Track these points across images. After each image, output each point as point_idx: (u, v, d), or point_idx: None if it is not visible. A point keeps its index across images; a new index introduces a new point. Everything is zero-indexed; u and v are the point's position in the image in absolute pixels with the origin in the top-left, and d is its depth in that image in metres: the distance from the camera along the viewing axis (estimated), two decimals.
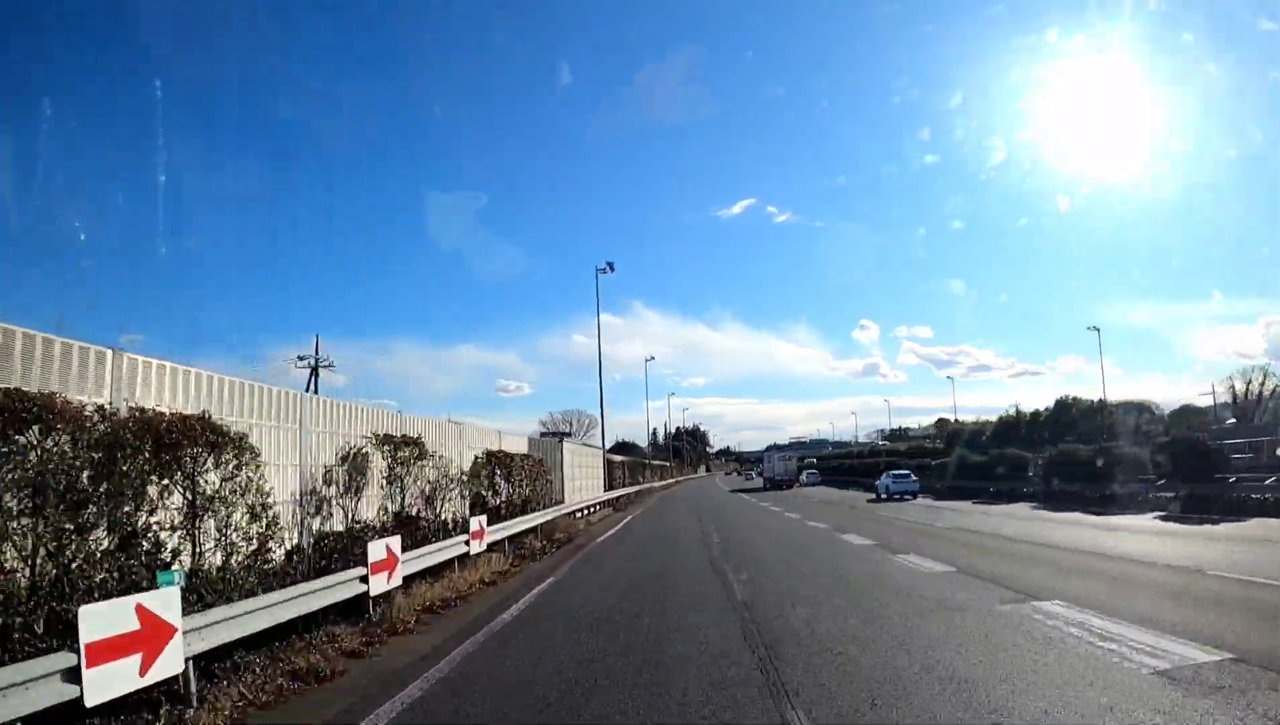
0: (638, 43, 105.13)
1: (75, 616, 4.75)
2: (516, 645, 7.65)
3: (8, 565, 5.35)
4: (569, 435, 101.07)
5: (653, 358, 74.50)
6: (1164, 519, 20.40)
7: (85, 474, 5.79)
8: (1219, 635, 6.58)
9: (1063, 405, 66.73)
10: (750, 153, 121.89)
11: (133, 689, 5.04)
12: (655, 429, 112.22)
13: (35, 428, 5.50)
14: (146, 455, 6.45)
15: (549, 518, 19.00)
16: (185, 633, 5.53)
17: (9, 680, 4.33)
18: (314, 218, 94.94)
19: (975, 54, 78.72)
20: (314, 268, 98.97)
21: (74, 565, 5.67)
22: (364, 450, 11.12)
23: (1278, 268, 77.60)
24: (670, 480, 77.82)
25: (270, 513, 7.94)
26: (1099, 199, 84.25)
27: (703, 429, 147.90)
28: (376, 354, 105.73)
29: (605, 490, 33.64)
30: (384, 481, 11.95)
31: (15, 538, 5.36)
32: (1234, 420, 54.72)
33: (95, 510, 5.85)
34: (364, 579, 8.72)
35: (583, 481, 27.75)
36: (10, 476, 5.25)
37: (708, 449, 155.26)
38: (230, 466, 7.39)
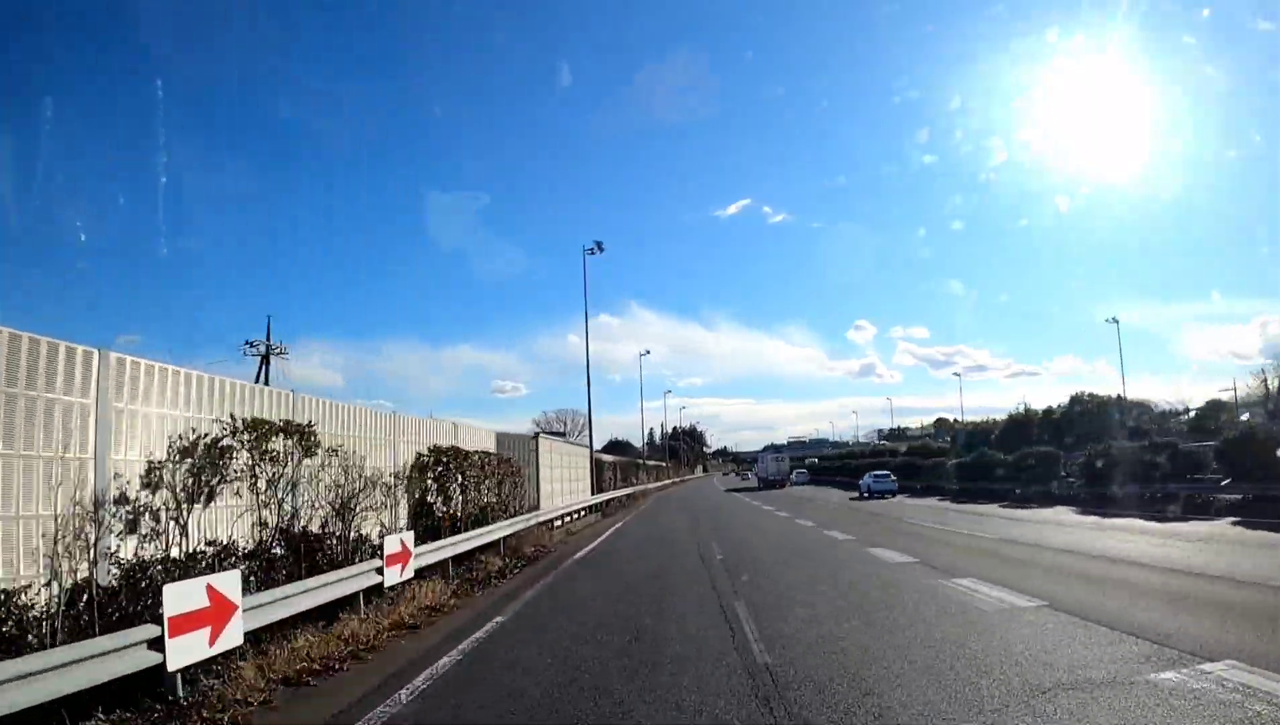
0: (638, 43, 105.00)
1: None
2: None
3: None
4: (562, 435, 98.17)
5: (648, 352, 72.63)
6: (1243, 525, 17.22)
7: None
8: None
9: (1077, 402, 63.46)
10: (749, 153, 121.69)
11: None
12: (652, 429, 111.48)
13: None
14: None
15: (516, 529, 15.72)
16: None
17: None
18: (314, 218, 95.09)
19: (975, 54, 76.76)
20: (313, 268, 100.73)
21: None
22: (221, 440, 7.80)
23: (1275, 268, 76.32)
24: (667, 481, 74.66)
25: None
26: (1098, 199, 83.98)
27: (700, 429, 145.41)
28: (374, 355, 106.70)
29: (593, 493, 30.33)
30: (264, 485, 8.63)
31: None
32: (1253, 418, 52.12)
33: None
34: (157, 644, 5.40)
35: (565, 484, 24.43)
36: None
37: (705, 449, 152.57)
38: None
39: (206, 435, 7.69)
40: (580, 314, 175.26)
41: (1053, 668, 5.72)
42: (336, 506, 10.16)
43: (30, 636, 5.64)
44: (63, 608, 5.87)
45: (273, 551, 8.68)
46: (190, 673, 5.82)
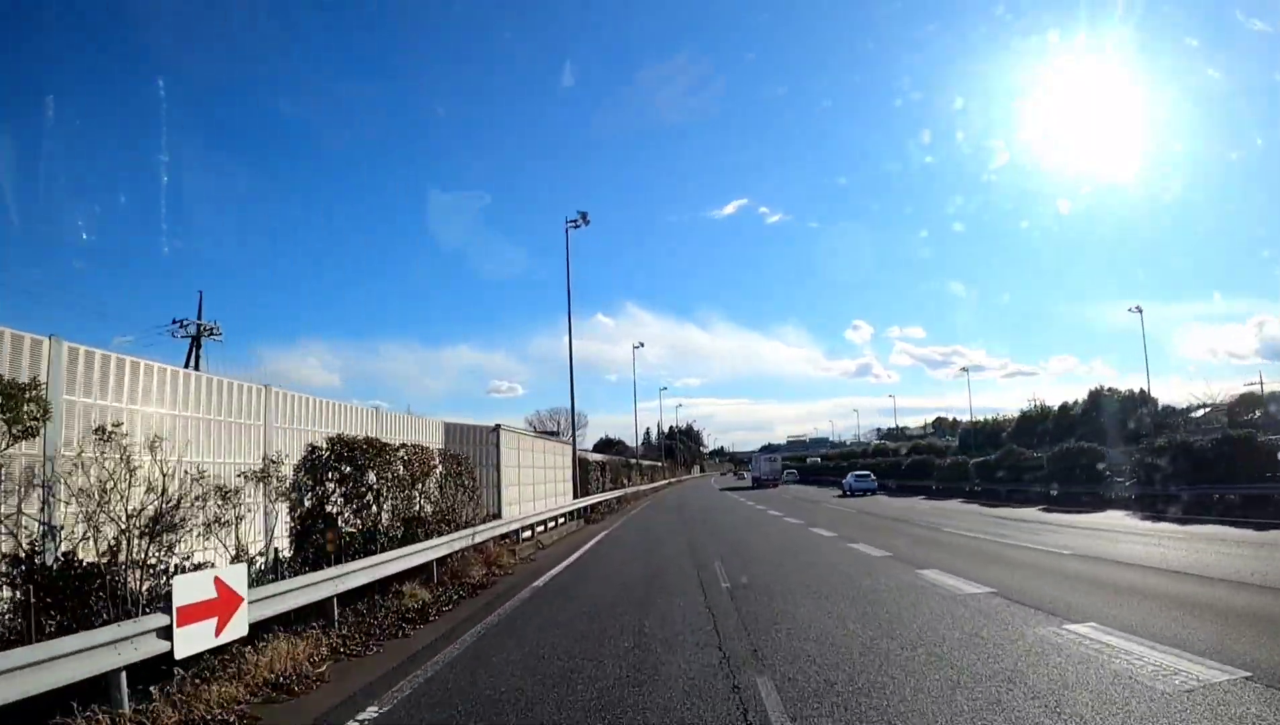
0: (639, 43, 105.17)
1: None
2: None
3: None
4: (554, 434, 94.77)
5: (641, 345, 69.85)
6: None
7: None
8: None
9: (1098, 398, 59.96)
10: (748, 153, 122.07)
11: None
12: (648, 428, 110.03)
13: None
14: None
15: (461, 546, 12.02)
16: None
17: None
18: (314, 219, 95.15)
19: (977, 55, 76.09)
20: (313, 269, 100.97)
21: None
22: None
23: (1274, 269, 76.77)
24: (662, 482, 70.97)
25: None
26: (1099, 200, 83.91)
27: (697, 428, 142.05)
28: (372, 355, 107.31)
29: (576, 496, 26.62)
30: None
31: None
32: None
33: None
34: None
35: (540, 487, 20.71)
36: None
37: (701, 449, 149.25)
38: None
39: None
40: (576, 313, 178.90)
41: None
42: (147, 522, 6.51)
43: None
44: None
45: None
46: None
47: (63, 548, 6.08)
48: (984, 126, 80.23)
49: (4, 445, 5.39)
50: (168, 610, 5.57)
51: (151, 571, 6.52)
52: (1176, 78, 62.19)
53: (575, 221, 28.98)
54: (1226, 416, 50.90)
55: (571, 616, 8.91)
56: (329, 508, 10.13)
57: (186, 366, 25.69)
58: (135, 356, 8.00)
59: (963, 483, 38.39)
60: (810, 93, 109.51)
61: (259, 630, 6.70)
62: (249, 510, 8.03)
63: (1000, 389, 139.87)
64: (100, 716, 4.86)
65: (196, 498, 7.10)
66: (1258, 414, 49.22)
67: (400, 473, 11.17)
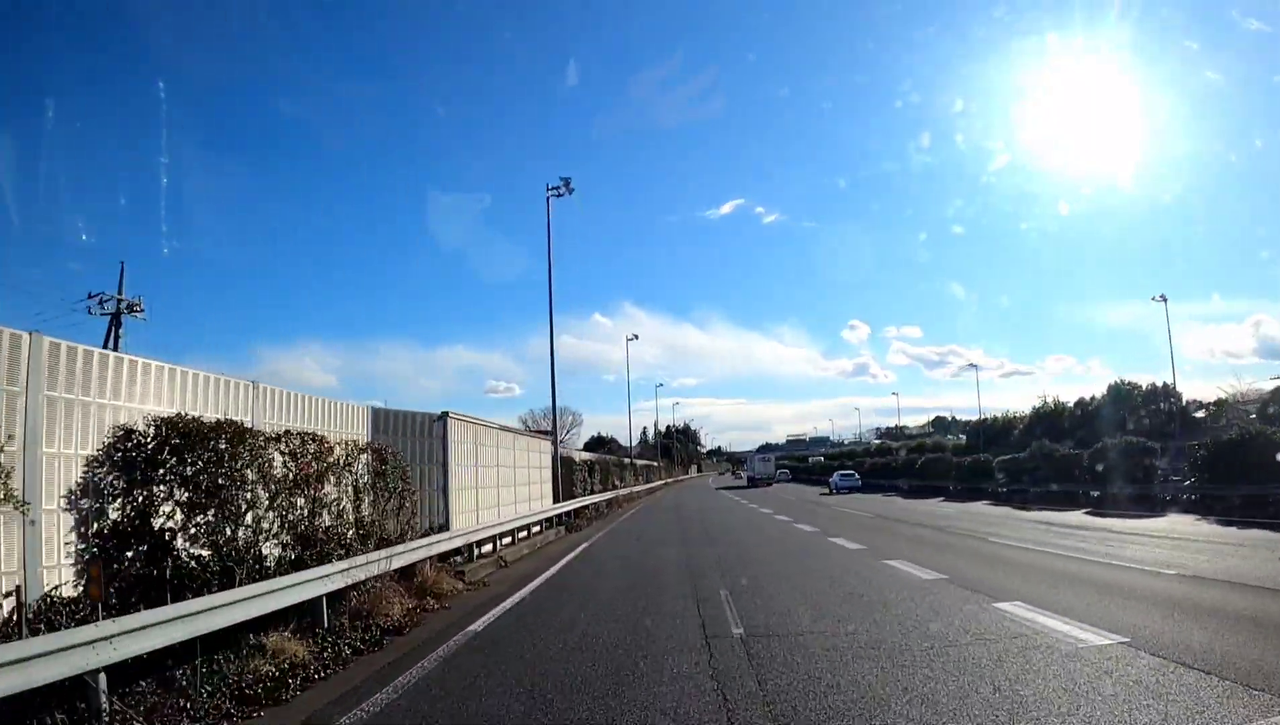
0: (639, 44, 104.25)
1: None
2: None
3: None
4: (549, 434, 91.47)
5: (635, 337, 66.30)
6: None
7: None
8: None
9: (1117, 392, 56.89)
10: (747, 154, 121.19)
11: None
12: (645, 428, 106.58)
13: None
14: None
15: (367, 573, 8.76)
16: None
17: None
18: (314, 219, 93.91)
19: (977, 57, 74.43)
20: (311, 269, 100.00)
21: None
22: None
23: (1273, 270, 75.77)
24: (658, 482, 67.74)
25: None
26: (1099, 202, 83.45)
27: (694, 428, 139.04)
28: (369, 355, 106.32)
29: (558, 500, 23.37)
30: None
31: None
32: None
33: None
34: None
35: (506, 490, 17.40)
36: None
37: (699, 448, 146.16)
38: None
39: None
40: (573, 314, 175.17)
41: None
42: None
43: None
44: None
45: None
46: None
47: None
48: (983, 128, 79.76)
49: None
50: None
51: None
52: (1176, 79, 61.94)
53: (558, 189, 25.75)
54: (1256, 413, 47.97)
55: (517, 680, 5.70)
56: (157, 521, 6.88)
57: (105, 346, 22.42)
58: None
59: (983, 482, 35.26)
60: (810, 94, 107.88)
61: None
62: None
63: (998, 389, 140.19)
64: None
65: None
66: None
67: (280, 472, 7.92)
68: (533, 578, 12.41)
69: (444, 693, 5.82)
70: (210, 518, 7.36)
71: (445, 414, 12.96)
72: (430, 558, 11.20)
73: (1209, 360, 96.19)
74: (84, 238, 52.66)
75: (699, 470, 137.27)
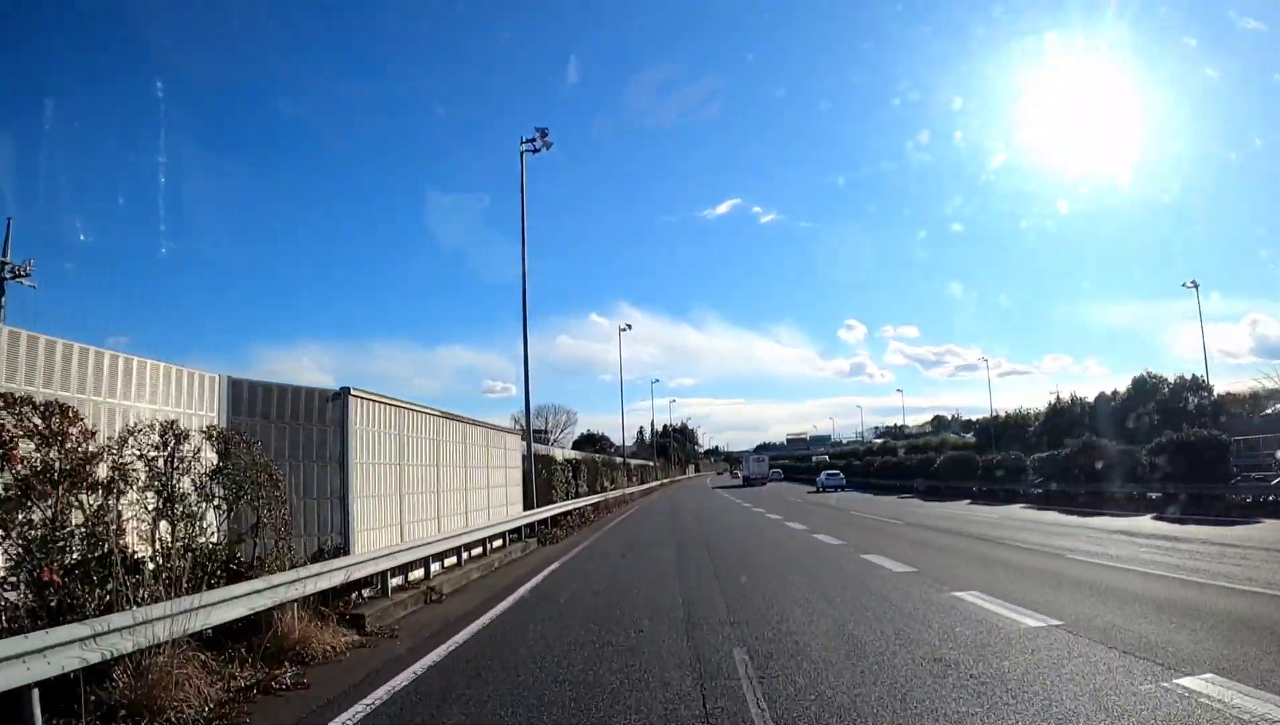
0: (638, 45, 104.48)
1: None
2: None
3: None
4: (544, 433, 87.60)
5: (629, 327, 61.86)
6: None
7: None
8: None
9: (1142, 385, 53.31)
10: (745, 153, 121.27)
11: None
12: (641, 427, 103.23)
13: None
14: None
15: (161, 635, 5.02)
16: None
17: None
18: (314, 219, 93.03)
19: (976, 56, 74.30)
20: (310, 269, 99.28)
21: None
22: None
23: (1271, 269, 75.89)
24: (654, 483, 64.07)
25: None
26: (1097, 201, 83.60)
27: (692, 427, 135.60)
28: (367, 355, 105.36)
29: (532, 505, 19.63)
30: None
31: None
32: None
33: None
34: None
35: (449, 497, 13.48)
36: None
37: (696, 448, 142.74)
38: None
39: None
40: (569, 314, 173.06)
41: None
42: None
43: None
44: None
45: None
46: None
47: None
48: (982, 127, 79.51)
49: None
50: None
51: None
52: (1174, 78, 61.61)
53: (532, 141, 22.04)
54: None
55: None
56: None
57: None
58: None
59: (1012, 483, 31.62)
60: (808, 93, 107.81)
61: None
62: None
63: (995, 388, 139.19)
64: None
65: None
66: None
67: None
68: (466, 622, 8.69)
69: None
70: None
71: (345, 391, 9.20)
72: (305, 597, 7.47)
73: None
74: (82, 238, 51.74)
75: (696, 470, 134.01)
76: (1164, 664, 5.63)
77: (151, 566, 6.20)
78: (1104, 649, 6.15)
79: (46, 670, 4.53)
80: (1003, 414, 65.67)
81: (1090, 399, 56.84)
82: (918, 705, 4.93)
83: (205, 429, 7.30)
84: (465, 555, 13.32)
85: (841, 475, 51.58)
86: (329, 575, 8.26)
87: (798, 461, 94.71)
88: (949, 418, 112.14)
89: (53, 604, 5.36)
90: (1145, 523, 18.43)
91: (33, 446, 5.53)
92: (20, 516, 5.41)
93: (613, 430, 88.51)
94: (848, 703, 5.03)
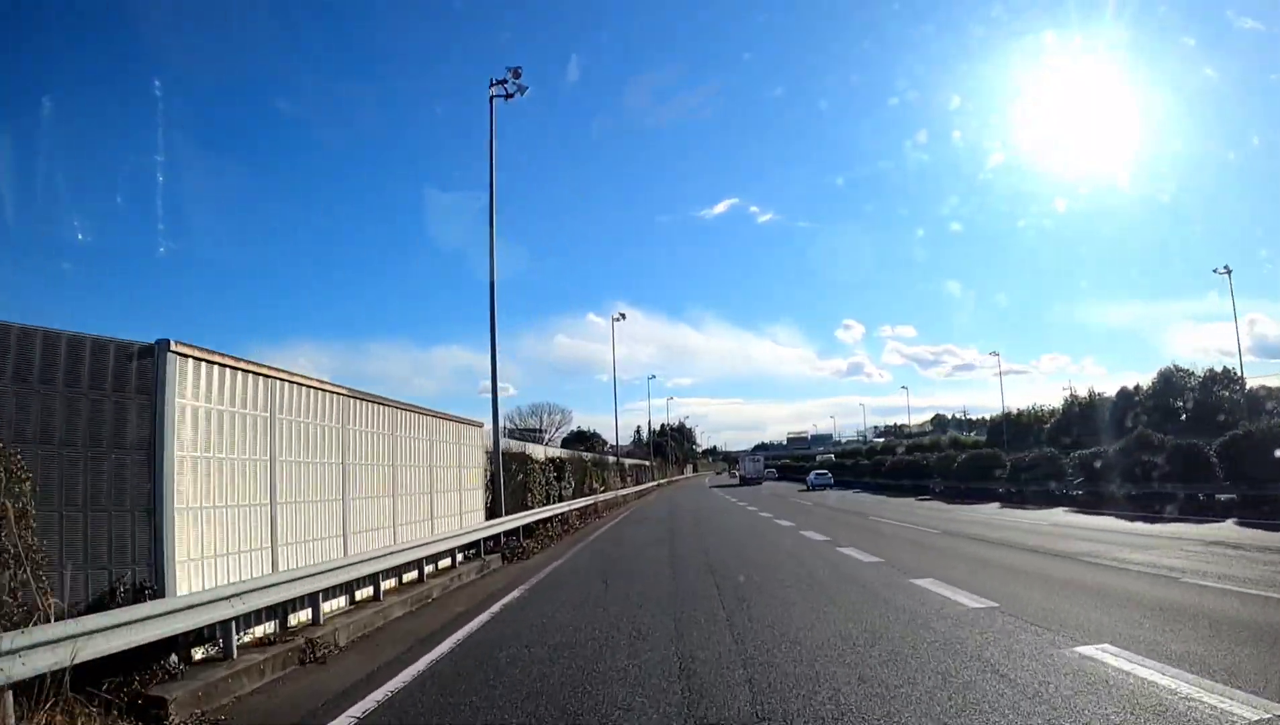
0: (637, 45, 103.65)
1: None
2: None
3: None
4: (538, 432, 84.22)
5: (623, 316, 58.18)
6: None
7: None
8: None
9: (1169, 378, 50.17)
10: (744, 153, 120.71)
11: None
12: (638, 427, 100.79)
13: None
14: None
15: None
16: None
17: None
18: (314, 219, 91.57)
19: (974, 56, 72.59)
20: (309, 269, 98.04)
21: None
22: None
23: (1270, 268, 73.78)
24: (650, 483, 60.86)
25: None
26: (1096, 200, 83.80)
27: (690, 427, 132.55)
28: (363, 355, 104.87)
29: (502, 512, 16.38)
30: None
31: None
32: None
33: None
34: None
35: (366, 506, 10.00)
36: None
37: (695, 448, 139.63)
38: None
39: None
40: (565, 315, 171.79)
41: None
42: None
43: None
44: None
45: None
46: None
47: None
48: (980, 126, 78.12)
49: None
50: None
51: None
52: (1172, 78, 61.36)
53: (503, 82, 18.75)
54: None
55: None
56: None
57: None
58: None
59: (1046, 484, 28.44)
60: (807, 93, 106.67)
61: None
62: None
63: (992, 387, 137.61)
64: None
65: None
66: None
67: None
68: (345, 703, 5.47)
69: None
70: None
71: (163, 344, 5.94)
72: (48, 673, 4.26)
73: (1203, 359, 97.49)
74: (80, 237, 51.12)
75: (695, 470, 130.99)
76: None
77: None
78: None
79: None
80: (1015, 411, 62.90)
81: (1110, 394, 53.69)
82: None
83: None
84: (391, 583, 10.07)
85: (829, 474, 54.84)
86: (104, 635, 5.02)
87: (799, 461, 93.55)
88: (949, 417, 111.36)
89: None
90: (1242, 532, 15.26)
91: None
92: None
93: (609, 430, 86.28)
94: None
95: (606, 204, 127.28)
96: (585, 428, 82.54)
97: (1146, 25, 58.01)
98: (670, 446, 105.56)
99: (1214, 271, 46.00)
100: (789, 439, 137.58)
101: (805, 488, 52.46)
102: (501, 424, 18.21)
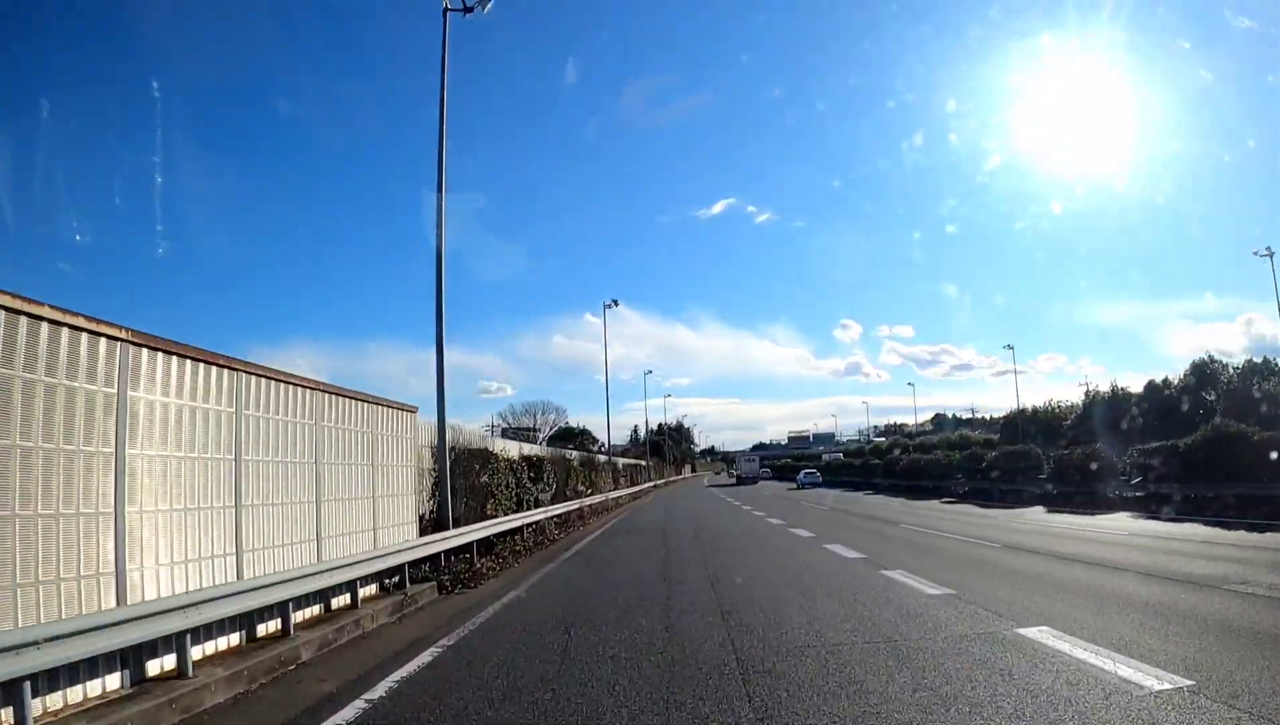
0: (637, 45, 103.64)
1: None
2: None
3: None
4: (532, 430, 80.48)
5: (615, 302, 54.14)
6: None
7: None
8: None
9: (1203, 370, 46.67)
10: (743, 154, 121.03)
11: None
12: (635, 426, 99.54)
13: None
14: None
15: None
16: None
17: None
18: (313, 220, 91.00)
19: (971, 57, 74.28)
20: (307, 270, 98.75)
21: None
22: None
23: (1264, 268, 69.78)
24: (646, 484, 57.35)
25: None
26: (1093, 201, 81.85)
27: (688, 426, 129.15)
28: (360, 355, 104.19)
29: (442, 528, 12.71)
30: None
31: None
32: None
33: None
34: None
35: (170, 519, 6.59)
36: None
37: (693, 448, 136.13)
38: None
39: None
40: (563, 315, 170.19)
41: None
42: None
43: None
44: None
45: None
46: None
47: None
48: (978, 127, 77.46)
49: None
50: None
51: None
52: (1169, 78, 61.39)
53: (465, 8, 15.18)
54: None
55: None
56: None
57: None
58: None
59: (1093, 484, 24.94)
60: (805, 94, 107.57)
61: None
62: None
63: (990, 387, 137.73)
64: None
65: None
66: None
67: None
68: None
69: None
70: None
71: None
72: None
73: (1200, 357, 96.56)
74: (78, 238, 50.75)
75: (693, 470, 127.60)
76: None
77: None
78: None
79: None
80: (1030, 408, 59.42)
81: (1135, 390, 50.14)
82: None
83: None
84: (236, 639, 6.45)
85: (818, 474, 60.06)
86: None
87: (799, 461, 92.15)
88: (949, 416, 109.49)
89: None
90: None
91: None
92: None
93: (605, 429, 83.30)
94: None
95: (605, 204, 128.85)
96: (584, 426, 78.98)
97: (1143, 26, 58.37)
98: (668, 446, 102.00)
99: (1254, 254, 42.64)
100: (790, 438, 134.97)
101: (795, 486, 56.18)
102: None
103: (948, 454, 37.69)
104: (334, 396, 9.37)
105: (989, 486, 30.96)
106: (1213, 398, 45.08)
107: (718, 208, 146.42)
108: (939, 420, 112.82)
